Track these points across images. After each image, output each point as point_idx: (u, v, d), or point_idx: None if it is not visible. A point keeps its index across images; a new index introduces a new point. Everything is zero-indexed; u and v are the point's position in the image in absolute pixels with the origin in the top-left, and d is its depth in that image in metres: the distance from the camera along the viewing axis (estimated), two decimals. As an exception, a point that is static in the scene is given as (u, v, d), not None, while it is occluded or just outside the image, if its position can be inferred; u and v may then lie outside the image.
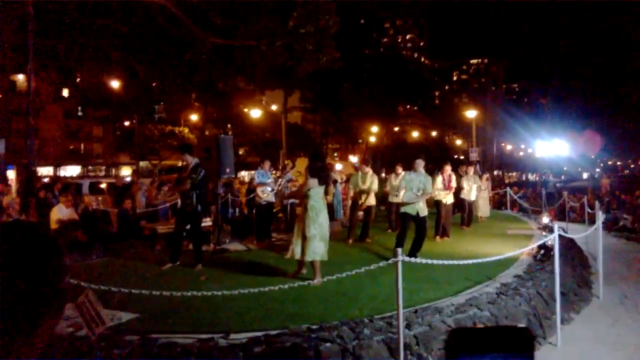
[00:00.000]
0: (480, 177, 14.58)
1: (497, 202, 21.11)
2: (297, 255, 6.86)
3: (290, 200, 11.04)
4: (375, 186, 10.60)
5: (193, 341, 4.43)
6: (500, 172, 57.16)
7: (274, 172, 11.86)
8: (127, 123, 41.33)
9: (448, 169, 11.31)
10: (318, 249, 6.68)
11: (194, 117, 39.51)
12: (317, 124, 54.39)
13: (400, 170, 11.71)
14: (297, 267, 7.09)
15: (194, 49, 17.71)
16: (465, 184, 12.66)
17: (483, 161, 32.75)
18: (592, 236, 9.27)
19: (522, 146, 69.36)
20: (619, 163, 77.52)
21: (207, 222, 9.83)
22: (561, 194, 19.56)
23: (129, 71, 22.49)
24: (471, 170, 13.15)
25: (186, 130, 39.42)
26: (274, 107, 42.72)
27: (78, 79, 31.27)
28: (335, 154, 57.65)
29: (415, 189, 8.37)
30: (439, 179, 10.97)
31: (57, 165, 43.53)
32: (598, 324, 6.35)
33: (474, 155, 27.67)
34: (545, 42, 34.27)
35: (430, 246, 9.11)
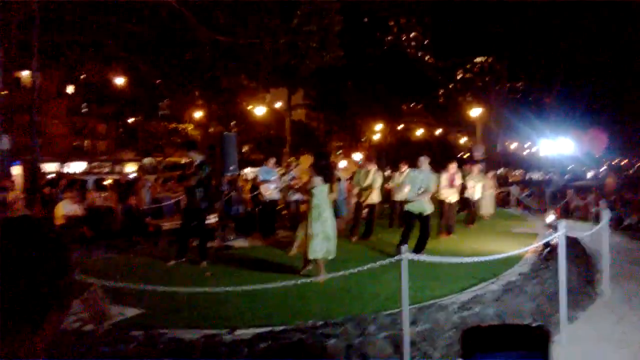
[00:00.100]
0: (485, 175, 14.55)
1: (502, 201, 21.05)
2: (293, 253, 6.90)
3: (294, 198, 11.04)
4: (377, 183, 10.59)
5: (198, 337, 4.44)
6: (504, 171, 57.00)
7: (278, 169, 11.86)
8: (131, 120, 41.37)
9: (453, 167, 11.30)
10: (319, 247, 6.68)
11: (198, 115, 39.47)
12: (321, 121, 54.32)
13: (404, 168, 11.70)
14: (303, 263, 7.10)
15: (198, 47, 17.72)
16: (470, 182, 12.63)
17: (487, 159, 32.68)
18: (597, 235, 9.23)
19: (527, 144, 69.10)
20: (624, 162, 77.18)
21: (211, 219, 9.84)
22: (566, 192, 19.50)
23: (133, 68, 22.51)
24: (476, 168, 13.12)
25: (190, 127, 39.42)
26: (277, 105, 42.66)
27: (82, 76, 31.33)
28: (339, 152, 57.60)
29: (418, 186, 8.37)
30: (444, 177, 10.95)
31: (62, 161, 43.65)
32: (603, 322, 6.33)
33: (478, 154, 27.63)
34: (550, 40, 34.13)
35: (435, 244, 9.11)
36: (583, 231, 10.10)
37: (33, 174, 13.53)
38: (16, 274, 0.88)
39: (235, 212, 14.01)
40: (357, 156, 47.01)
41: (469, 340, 1.03)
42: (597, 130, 40.91)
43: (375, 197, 10.64)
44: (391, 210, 12.42)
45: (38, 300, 0.90)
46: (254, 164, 39.26)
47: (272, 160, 11.22)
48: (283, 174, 11.48)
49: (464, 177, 12.65)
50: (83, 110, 46.99)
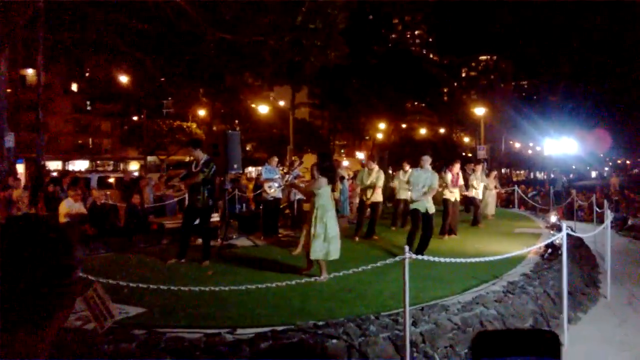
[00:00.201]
0: (488, 175, 14.53)
1: (505, 200, 21.01)
2: (299, 252, 6.91)
3: (298, 197, 11.05)
4: (380, 182, 10.59)
5: (200, 336, 4.45)
6: (508, 170, 56.92)
7: (281, 168, 11.87)
8: (135, 118, 41.51)
9: (457, 166, 11.29)
10: (320, 247, 6.69)
11: (202, 113, 39.60)
12: (324, 120, 54.31)
13: (407, 167, 11.70)
14: (306, 263, 7.11)
15: (203, 44, 17.73)
16: (474, 182, 12.60)
17: (491, 159, 32.63)
18: (600, 235, 9.21)
19: (531, 144, 68.98)
20: (628, 162, 76.84)
21: (214, 217, 9.86)
22: (569, 192, 19.44)
23: (138, 66, 22.55)
24: (479, 168, 13.09)
25: (194, 125, 39.52)
26: (281, 103, 42.69)
27: (87, 74, 31.41)
28: (343, 151, 57.62)
29: (422, 185, 8.37)
30: (449, 176, 10.94)
31: (65, 159, 43.82)
32: (605, 324, 6.32)
33: (482, 153, 27.58)
34: (555, 39, 34.01)
35: (437, 244, 9.10)
36: (586, 232, 10.08)
37: (38, 172, 13.56)
38: (21, 272, 0.89)
39: (238, 211, 14.05)
40: (361, 155, 47.00)
41: (480, 345, 1.03)
42: (602, 130, 40.74)
43: (378, 196, 10.64)
44: (394, 209, 12.41)
45: (42, 298, 0.90)
46: (257, 162, 39.35)
47: (275, 159, 11.22)
48: (286, 173, 11.49)
49: (467, 176, 12.63)
50: (87, 108, 47.14)
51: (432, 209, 8.49)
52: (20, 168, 22.74)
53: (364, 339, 4.45)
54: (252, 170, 40.99)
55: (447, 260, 5.24)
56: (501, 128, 40.85)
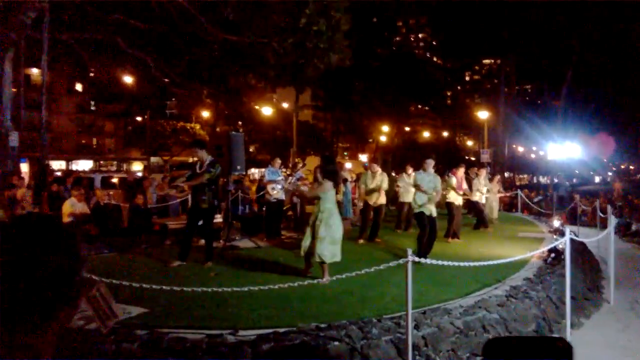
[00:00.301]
0: (491, 179, 14.50)
1: (508, 205, 20.97)
2: (303, 253, 6.90)
3: (299, 196, 11.05)
4: (385, 184, 10.59)
5: (202, 337, 4.45)
6: (512, 175, 56.77)
7: (284, 170, 11.87)
8: (139, 118, 41.60)
9: (462, 170, 11.28)
10: (326, 251, 6.69)
11: (206, 114, 39.64)
12: (328, 122, 54.31)
13: (410, 170, 11.70)
14: (305, 265, 7.10)
15: (206, 45, 17.76)
16: (478, 186, 12.57)
17: (494, 163, 32.57)
18: (603, 240, 9.19)
19: (534, 148, 68.86)
20: (632, 167, 76.64)
21: (217, 218, 9.86)
22: (573, 197, 19.41)
23: (142, 66, 22.59)
24: (483, 172, 13.07)
25: (197, 126, 39.57)
26: (285, 105, 42.71)
27: (91, 74, 31.47)
28: (346, 153, 57.63)
29: (426, 188, 8.38)
30: (453, 180, 10.93)
31: (69, 159, 43.93)
32: (608, 329, 6.30)
33: (485, 157, 27.55)
34: (560, 43, 33.97)
35: (441, 247, 9.09)
36: (589, 237, 10.05)
37: (42, 171, 13.60)
38: (26, 271, 0.89)
39: (241, 212, 14.04)
40: (364, 158, 47.00)
41: (492, 351, 1.03)
42: (605, 135, 40.64)
43: (382, 199, 10.63)
44: (398, 212, 12.40)
45: (46, 298, 0.90)
46: (260, 164, 39.36)
47: (278, 161, 11.22)
48: (289, 175, 11.50)
49: (470, 180, 12.61)
50: (91, 108, 47.25)
51: (435, 213, 8.51)
52: (24, 167, 22.80)
53: (366, 341, 4.44)
54: (255, 172, 41.02)
55: (450, 263, 5.23)
56: (504, 132, 40.75)
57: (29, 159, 26.13)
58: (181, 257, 7.80)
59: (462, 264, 5.29)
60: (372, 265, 4.95)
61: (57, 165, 37.97)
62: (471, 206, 13.35)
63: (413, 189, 8.91)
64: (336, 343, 4.36)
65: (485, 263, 5.72)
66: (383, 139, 49.33)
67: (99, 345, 4.14)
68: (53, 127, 35.13)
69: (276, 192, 10.52)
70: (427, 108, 54.22)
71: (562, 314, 5.93)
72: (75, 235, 0.99)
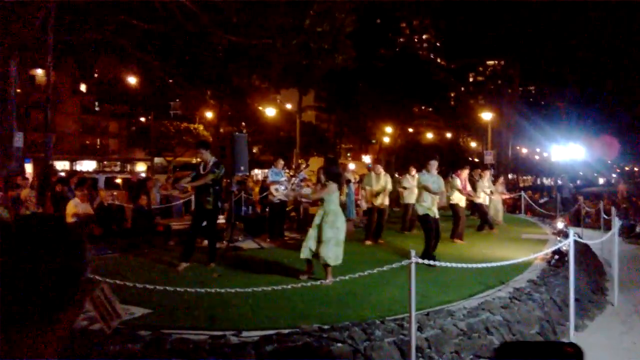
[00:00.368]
0: (495, 181, 14.46)
1: (512, 206, 20.91)
2: (307, 255, 6.88)
3: (304, 200, 11.05)
4: (390, 186, 10.59)
5: (205, 337, 4.45)
6: (515, 176, 56.70)
7: (287, 171, 11.86)
8: (142, 119, 41.68)
9: (466, 172, 11.27)
10: (330, 252, 6.68)
11: (209, 115, 39.69)
12: (331, 123, 54.24)
13: (413, 171, 11.69)
14: (306, 266, 7.09)
15: (210, 46, 17.78)
16: (483, 187, 12.55)
17: (498, 164, 32.52)
18: (607, 242, 9.17)
19: (538, 150, 68.74)
20: (636, 168, 76.38)
21: (220, 219, 9.87)
22: (577, 199, 19.35)
23: (146, 67, 22.65)
24: (487, 174, 13.05)
25: (201, 127, 39.59)
26: (288, 106, 42.74)
27: (95, 75, 31.60)
28: (349, 154, 57.59)
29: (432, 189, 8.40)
30: (457, 181, 10.91)
31: (73, 159, 44.03)
32: (612, 331, 6.28)
33: (489, 158, 27.51)
34: (563, 45, 33.91)
35: (444, 249, 9.07)
36: (593, 239, 10.03)
37: (46, 172, 13.64)
38: (30, 272, 0.89)
39: (244, 213, 14.06)
40: (367, 158, 46.97)
41: (504, 356, 1.03)
42: (609, 136, 40.53)
43: (385, 201, 10.63)
44: (403, 213, 12.38)
45: (51, 299, 0.91)
46: (264, 165, 39.39)
47: (281, 162, 11.22)
48: (292, 176, 11.50)
49: (474, 182, 12.59)
50: (95, 109, 47.37)
51: (437, 213, 8.52)
52: (28, 168, 22.90)
53: (369, 343, 4.44)
54: (258, 173, 41.03)
55: (454, 265, 5.23)
56: (508, 133, 40.68)
57: (34, 159, 26.22)
58: (184, 258, 7.79)
59: (465, 265, 5.29)
60: (375, 267, 4.95)
61: (61, 165, 38.05)
62: (475, 208, 13.33)
63: (416, 190, 8.91)
64: (339, 344, 4.36)
65: (489, 265, 5.70)
66: (386, 140, 49.26)
67: (103, 346, 4.15)
68: (57, 127, 35.23)
69: (279, 193, 10.53)
70: (430, 109, 54.08)
71: (565, 316, 5.91)
72: (81, 236, 0.99)
